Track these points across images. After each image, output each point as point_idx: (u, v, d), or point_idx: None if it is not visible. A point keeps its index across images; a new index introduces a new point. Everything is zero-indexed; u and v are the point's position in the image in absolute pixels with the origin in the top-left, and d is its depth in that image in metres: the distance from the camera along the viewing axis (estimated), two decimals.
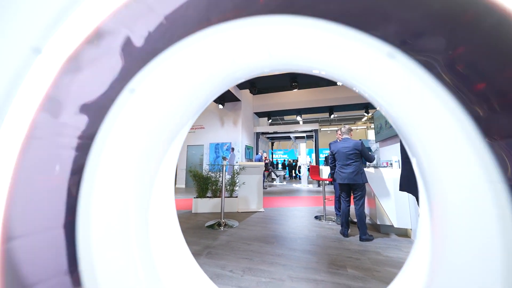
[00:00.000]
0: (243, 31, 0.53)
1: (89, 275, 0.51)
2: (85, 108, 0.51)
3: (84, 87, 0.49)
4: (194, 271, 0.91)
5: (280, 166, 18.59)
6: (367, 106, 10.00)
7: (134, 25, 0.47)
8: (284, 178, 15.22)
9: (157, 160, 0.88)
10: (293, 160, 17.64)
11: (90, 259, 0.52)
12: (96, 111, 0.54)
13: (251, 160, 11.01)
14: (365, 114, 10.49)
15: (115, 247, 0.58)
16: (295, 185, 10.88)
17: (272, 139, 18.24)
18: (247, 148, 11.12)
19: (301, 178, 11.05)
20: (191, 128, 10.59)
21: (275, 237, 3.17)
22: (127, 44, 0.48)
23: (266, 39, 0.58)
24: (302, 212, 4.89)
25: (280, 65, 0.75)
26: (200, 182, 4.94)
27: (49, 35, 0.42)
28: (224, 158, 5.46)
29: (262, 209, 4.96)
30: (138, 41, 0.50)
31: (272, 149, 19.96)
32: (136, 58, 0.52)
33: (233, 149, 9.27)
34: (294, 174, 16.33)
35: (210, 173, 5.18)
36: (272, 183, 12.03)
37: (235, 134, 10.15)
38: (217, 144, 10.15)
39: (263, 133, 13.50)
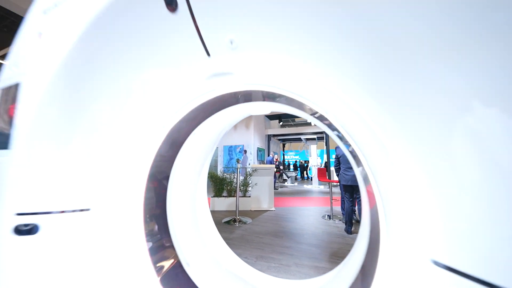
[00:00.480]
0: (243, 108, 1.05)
1: (173, 230, 1.00)
2: (173, 147, 0.98)
3: (177, 137, 0.96)
4: (221, 243, 1.36)
5: (291, 167, 18.75)
6: None
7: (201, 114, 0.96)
8: (296, 179, 15.41)
9: (199, 170, 1.33)
10: (305, 161, 17.70)
11: (171, 219, 1.00)
12: (176, 147, 1.00)
13: (263, 162, 11.39)
14: None
15: (181, 217, 1.06)
16: (306, 186, 11.10)
17: (284, 140, 18.47)
18: (259, 150, 11.52)
19: (312, 179, 11.24)
20: None
21: (284, 233, 3.56)
22: (192, 118, 0.96)
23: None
24: (311, 211, 5.21)
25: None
26: (217, 183, 5.43)
27: (169, 119, 0.88)
28: (238, 161, 5.91)
29: (273, 208, 5.34)
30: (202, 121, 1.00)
31: (283, 150, 20.19)
32: (195, 122, 1.00)
33: (245, 151, 9.70)
34: (306, 176, 16.43)
35: (225, 174, 5.66)
36: (284, 184, 12.31)
37: (247, 137, 10.59)
38: (231, 146, 10.65)
39: (274, 135, 13.83)
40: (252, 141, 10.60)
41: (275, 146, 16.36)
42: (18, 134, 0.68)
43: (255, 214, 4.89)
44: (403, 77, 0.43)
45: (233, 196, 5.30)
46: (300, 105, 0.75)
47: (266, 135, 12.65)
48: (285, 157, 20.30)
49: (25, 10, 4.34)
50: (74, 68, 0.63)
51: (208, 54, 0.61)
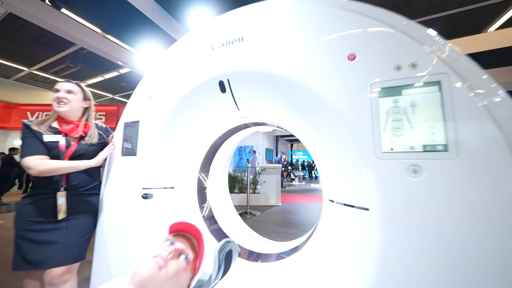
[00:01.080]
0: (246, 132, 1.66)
1: (211, 202, 1.64)
2: (212, 152, 1.60)
3: (215, 147, 1.59)
4: (236, 215, 1.99)
5: (299, 167, 19.08)
6: None
7: (230, 133, 1.58)
8: (304, 178, 15.77)
9: (224, 166, 1.96)
10: (312, 161, 17.97)
11: (210, 197, 1.64)
12: (213, 152, 1.63)
13: (271, 162, 11.92)
14: None
15: (215, 195, 1.70)
16: (313, 185, 11.52)
17: (291, 141, 18.89)
18: (267, 150, 12.06)
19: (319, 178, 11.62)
20: None
21: (289, 223, 4.12)
22: (224, 136, 1.58)
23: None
24: (315, 207, 5.71)
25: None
26: (229, 181, 6.06)
27: (213, 136, 1.52)
28: (247, 161, 6.51)
29: (280, 204, 5.90)
30: (229, 137, 1.63)
31: (291, 150, 20.60)
32: (225, 137, 1.62)
33: (254, 151, 10.26)
34: (314, 175, 16.75)
35: (237, 173, 6.29)
36: (291, 183, 12.76)
37: (256, 138, 11.15)
38: (241, 147, 11.24)
39: (282, 136, 14.31)
40: (260, 142, 11.16)
41: (283, 146, 16.81)
42: (139, 148, 1.31)
43: (264, 208, 5.47)
44: (327, 126, 1.00)
45: (244, 193, 5.90)
46: (280, 127, 1.38)
47: (274, 136, 13.16)
48: (293, 157, 20.67)
49: (61, 30, 5.03)
50: (169, 113, 1.26)
51: (238, 109, 1.23)
